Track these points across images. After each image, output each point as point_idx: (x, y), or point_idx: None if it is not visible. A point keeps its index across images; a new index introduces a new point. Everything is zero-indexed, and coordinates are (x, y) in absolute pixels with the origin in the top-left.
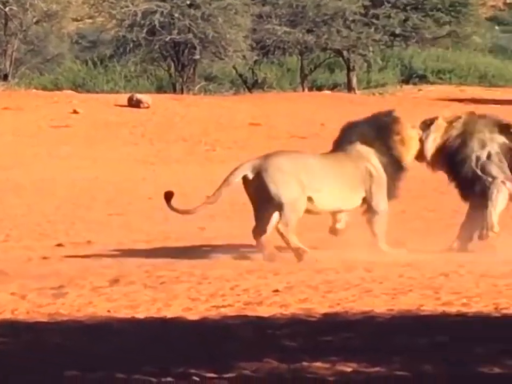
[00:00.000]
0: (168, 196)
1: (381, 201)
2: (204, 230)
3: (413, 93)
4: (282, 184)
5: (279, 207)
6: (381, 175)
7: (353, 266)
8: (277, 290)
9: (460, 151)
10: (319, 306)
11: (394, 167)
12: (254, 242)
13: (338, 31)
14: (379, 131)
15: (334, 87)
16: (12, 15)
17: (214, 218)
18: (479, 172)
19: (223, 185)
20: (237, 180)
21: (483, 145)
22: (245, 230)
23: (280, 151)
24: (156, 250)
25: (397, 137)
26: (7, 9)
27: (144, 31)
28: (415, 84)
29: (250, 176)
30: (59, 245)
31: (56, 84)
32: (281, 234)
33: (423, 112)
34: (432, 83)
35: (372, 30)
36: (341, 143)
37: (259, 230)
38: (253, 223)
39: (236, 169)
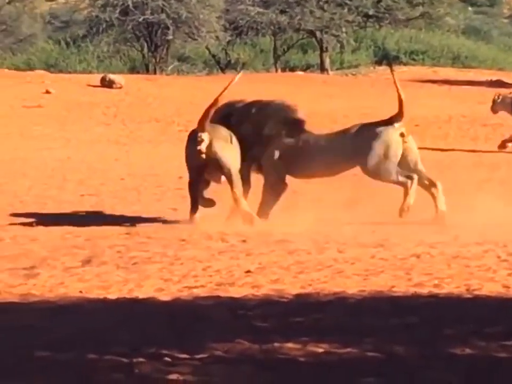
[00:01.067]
0: None
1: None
2: (176, 211)
3: (386, 74)
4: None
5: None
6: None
7: (325, 247)
8: (249, 271)
9: None
10: (291, 287)
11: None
12: (226, 223)
13: (311, 12)
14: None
15: (307, 68)
16: None
17: (186, 199)
18: None
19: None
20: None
21: None
22: (218, 211)
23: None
24: (128, 231)
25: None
26: None
27: (117, 11)
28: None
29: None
30: (31, 224)
31: (29, 64)
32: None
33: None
34: (405, 64)
35: (345, 10)
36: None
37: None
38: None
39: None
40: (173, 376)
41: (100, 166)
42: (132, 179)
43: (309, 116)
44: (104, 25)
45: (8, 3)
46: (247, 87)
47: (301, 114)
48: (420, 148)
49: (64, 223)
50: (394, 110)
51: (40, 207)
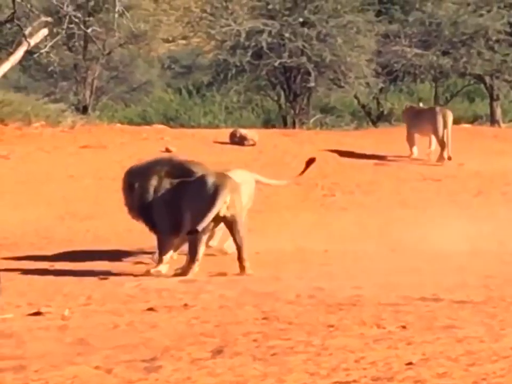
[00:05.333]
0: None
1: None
2: (323, 291)
3: None
4: None
5: None
6: None
7: (501, 333)
8: (410, 363)
9: None
10: (461, 382)
11: None
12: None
13: (479, 53)
14: None
15: (474, 119)
16: (94, 36)
17: (330, 276)
18: None
19: None
20: None
21: None
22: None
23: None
24: (266, 315)
25: None
26: (89, 30)
27: (249, 54)
28: None
29: None
30: (150, 309)
31: (144, 117)
32: None
33: None
34: None
35: None
36: None
37: None
38: None
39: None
40: None
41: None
42: (269, 254)
43: (476, 175)
44: (233, 71)
45: (120, 45)
46: (403, 142)
47: None
48: None
49: (189, 306)
50: None
51: (160, 288)
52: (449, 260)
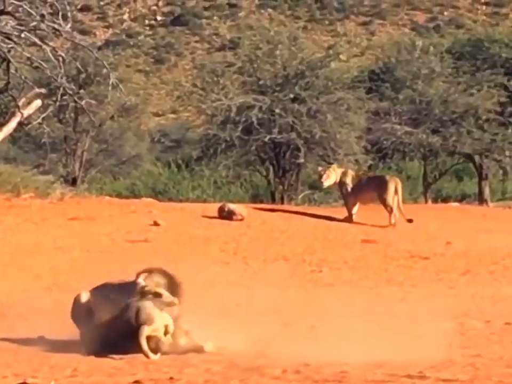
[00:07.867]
0: None
1: None
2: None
3: None
4: None
5: None
6: None
7: None
8: None
9: None
10: None
11: None
12: None
13: (468, 132)
14: None
15: (462, 198)
16: (86, 109)
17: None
18: None
19: None
20: None
21: None
22: None
23: None
24: None
25: None
26: (83, 102)
27: (239, 129)
28: None
29: None
30: (136, 381)
31: (133, 190)
32: None
33: None
34: None
35: (510, 131)
36: None
37: None
38: None
39: None
40: None
41: (218, 311)
42: (255, 329)
43: (464, 253)
44: (223, 145)
45: (111, 118)
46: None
47: None
48: None
49: (175, 379)
50: None
51: (147, 360)
52: (435, 338)
